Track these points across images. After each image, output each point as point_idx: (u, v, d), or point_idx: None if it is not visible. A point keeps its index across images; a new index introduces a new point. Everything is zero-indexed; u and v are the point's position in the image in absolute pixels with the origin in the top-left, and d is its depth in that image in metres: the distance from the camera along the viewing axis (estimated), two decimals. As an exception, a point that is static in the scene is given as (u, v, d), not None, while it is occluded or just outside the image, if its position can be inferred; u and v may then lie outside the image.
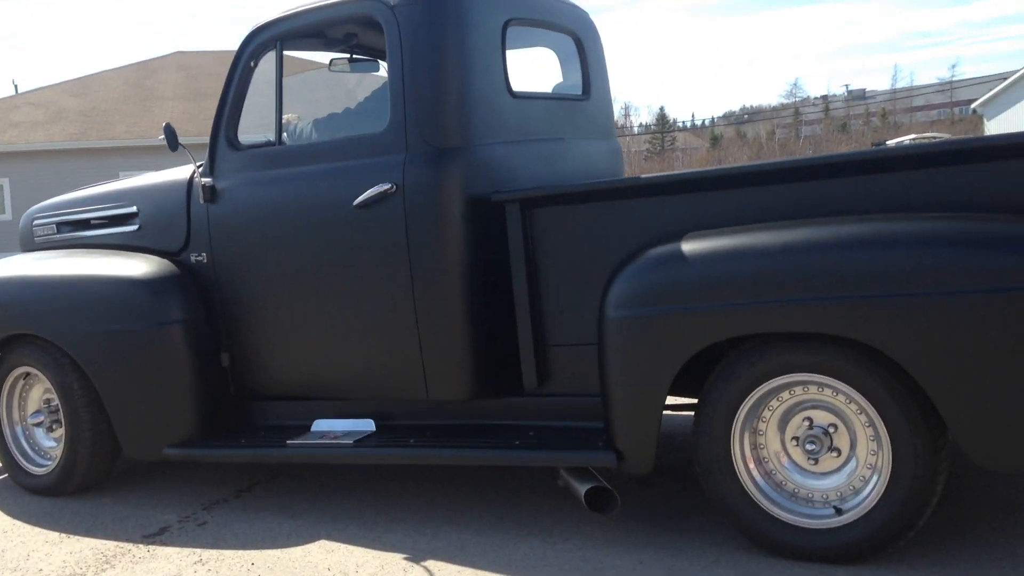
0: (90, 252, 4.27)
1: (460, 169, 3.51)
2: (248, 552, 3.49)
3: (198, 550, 3.54)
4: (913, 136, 32.29)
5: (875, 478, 2.93)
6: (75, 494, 4.26)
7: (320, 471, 4.38)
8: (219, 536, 3.67)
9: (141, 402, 3.97)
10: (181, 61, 31.48)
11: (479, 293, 3.53)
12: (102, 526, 3.88)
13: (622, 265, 3.18)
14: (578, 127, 4.22)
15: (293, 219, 3.74)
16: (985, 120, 35.37)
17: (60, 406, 4.14)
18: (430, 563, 3.24)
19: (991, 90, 35.91)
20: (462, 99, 3.53)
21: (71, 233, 4.52)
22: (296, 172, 3.77)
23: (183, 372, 3.94)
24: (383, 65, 4.16)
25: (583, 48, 4.31)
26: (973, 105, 38.81)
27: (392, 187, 3.51)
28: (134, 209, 4.24)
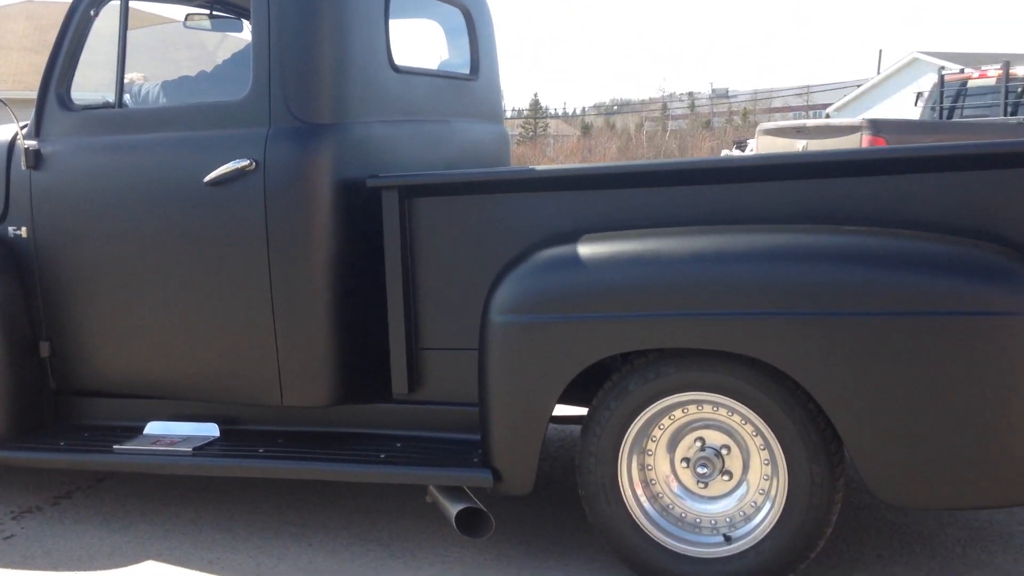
0: None
1: (331, 148, 3.10)
2: (59, 575, 3.00)
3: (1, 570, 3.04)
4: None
5: (768, 505, 2.73)
6: None
7: (154, 477, 3.90)
8: (27, 553, 3.17)
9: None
10: (30, 11, 29.29)
11: (346, 288, 3.14)
12: None
13: (510, 266, 2.86)
14: (465, 109, 3.88)
15: (131, 193, 3.25)
16: (839, 125, 36.83)
17: None
18: (275, 592, 2.86)
19: (845, 96, 37.52)
20: (337, 69, 3.13)
21: None
22: (138, 140, 3.27)
23: (-8, 361, 3.39)
24: (248, 25, 3.69)
25: (473, 24, 3.96)
26: (828, 110, 40.50)
27: (251, 164, 3.07)
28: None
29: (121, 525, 3.39)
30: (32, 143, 3.40)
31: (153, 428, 3.43)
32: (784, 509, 2.67)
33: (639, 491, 2.85)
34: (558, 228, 2.88)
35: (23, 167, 3.40)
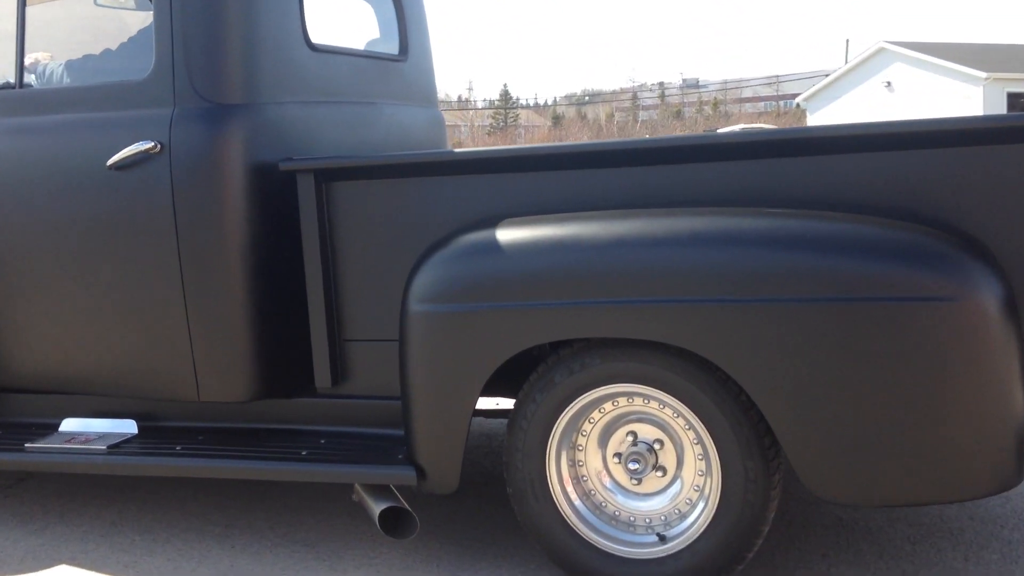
0: None
1: (242, 130, 2.95)
2: (-37, 584, 2.85)
3: (-102, 581, 2.88)
4: (742, 125, 33.37)
5: (702, 503, 2.62)
6: None
7: (77, 476, 3.74)
8: (-69, 561, 3.01)
9: None
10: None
11: (262, 278, 2.99)
12: None
13: (429, 253, 2.73)
14: (393, 91, 3.73)
15: (34, 179, 3.08)
16: (808, 114, 36.98)
17: None
18: (187, 600, 2.72)
19: (814, 86, 37.62)
20: (245, 45, 2.97)
21: None
22: (39, 122, 3.10)
23: None
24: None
25: (401, 3, 3.81)
26: (797, 99, 40.59)
27: (155, 146, 2.91)
28: None
29: (38, 527, 3.24)
30: (-68, 124, 3.23)
31: (68, 425, 3.27)
32: (719, 507, 2.57)
33: (569, 488, 2.73)
34: (480, 213, 2.76)
35: (-77, 152, 3.23)
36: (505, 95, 72.58)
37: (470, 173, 2.82)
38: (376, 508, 2.77)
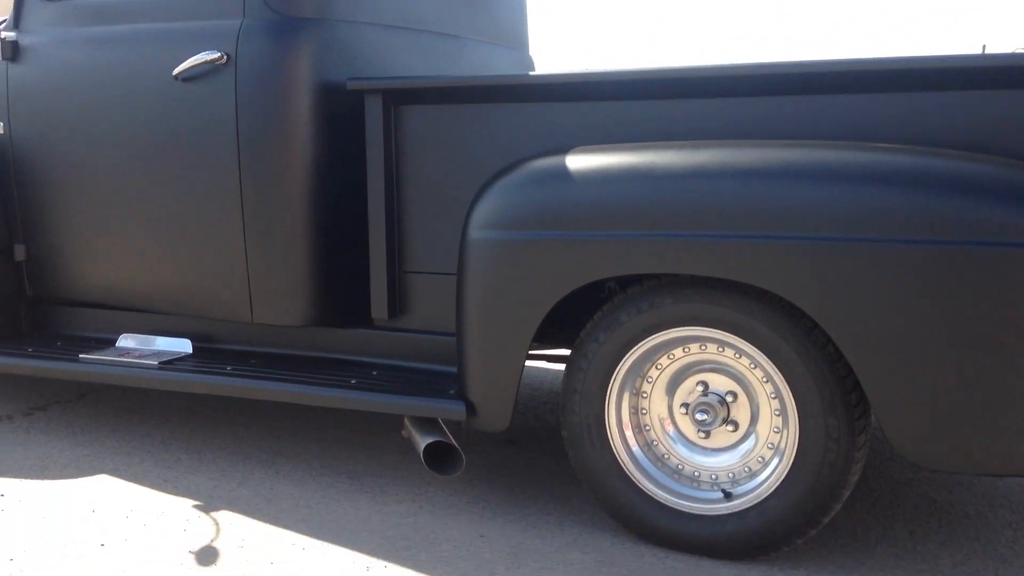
0: None
1: (311, 45, 2.80)
2: (5, 481, 2.81)
3: (-57, 476, 2.86)
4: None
5: (776, 461, 2.38)
6: None
7: (136, 397, 3.70)
8: (-22, 461, 2.99)
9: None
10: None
11: (322, 201, 2.85)
12: None
13: (494, 179, 2.54)
14: (479, 28, 3.54)
15: (106, 88, 3.00)
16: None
17: None
18: (222, 513, 2.61)
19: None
20: None
21: None
22: (115, 31, 3.01)
23: (-37, 259, 3.21)
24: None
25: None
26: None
27: (221, 57, 2.79)
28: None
29: (88, 439, 3.19)
30: (10, 34, 3.19)
31: (125, 341, 3.21)
32: (794, 466, 2.31)
33: (629, 436, 2.52)
34: (556, 142, 2.54)
35: (0, 59, 3.19)
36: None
37: (551, 100, 2.61)
38: (422, 442, 2.61)
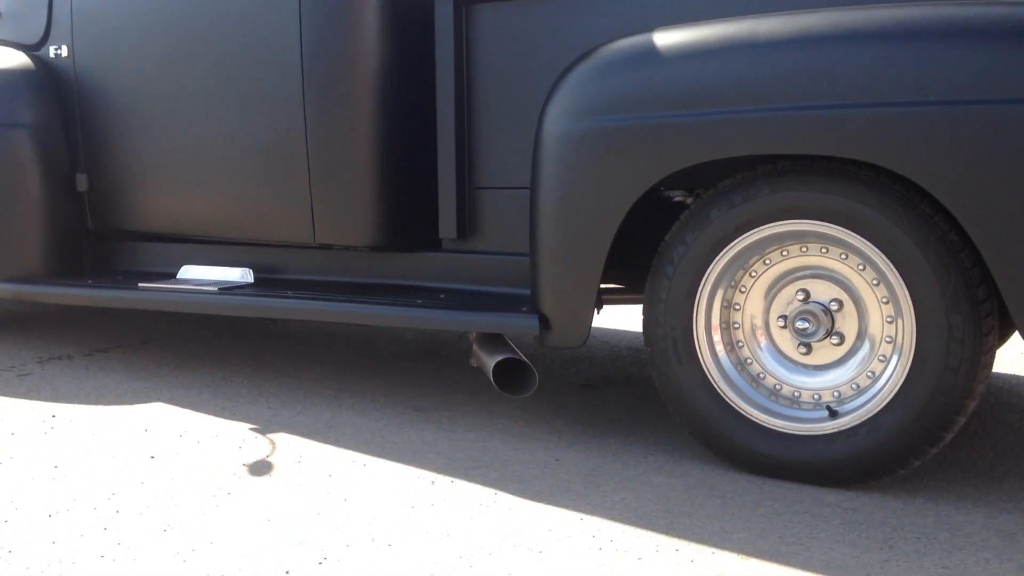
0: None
1: None
2: (56, 405, 2.69)
3: (-3, 400, 2.75)
4: None
5: (888, 371, 2.10)
6: None
7: (202, 341, 3.59)
8: (33, 387, 2.88)
9: (-30, 222, 3.16)
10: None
11: (389, 111, 2.68)
12: (-101, 368, 3.10)
13: (571, 66, 2.33)
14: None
15: (167, 5, 2.90)
16: None
17: None
18: (278, 435, 2.44)
19: None
20: None
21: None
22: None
23: (26, 191, 3.14)
24: None
25: None
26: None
27: None
28: (-7, -8, 3.42)
29: (146, 375, 3.07)
30: (76, -50, 3.12)
31: (186, 272, 3.09)
32: (910, 373, 2.03)
33: (720, 350, 2.27)
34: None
35: (64, -26, 3.13)
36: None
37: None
38: (491, 362, 2.41)
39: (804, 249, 2.18)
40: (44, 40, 3.23)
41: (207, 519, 1.90)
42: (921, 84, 1.92)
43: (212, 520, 1.90)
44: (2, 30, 3.36)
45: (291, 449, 2.34)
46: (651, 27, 2.32)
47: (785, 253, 2.21)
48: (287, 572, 1.67)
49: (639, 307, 3.41)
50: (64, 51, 3.16)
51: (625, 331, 3.92)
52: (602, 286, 2.50)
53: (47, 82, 3.18)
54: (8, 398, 2.75)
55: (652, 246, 2.46)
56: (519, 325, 2.38)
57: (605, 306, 2.82)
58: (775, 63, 2.06)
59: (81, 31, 3.12)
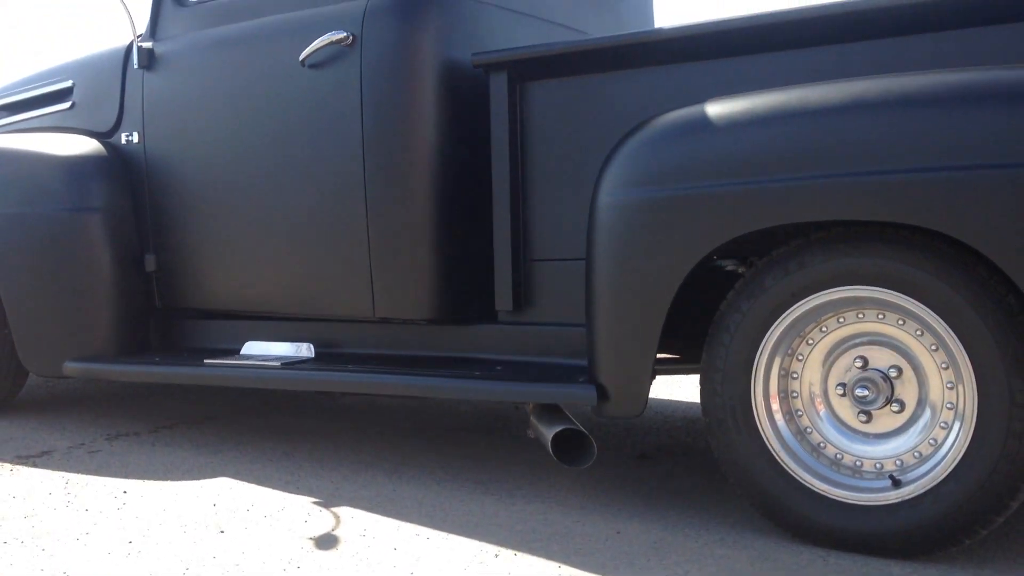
0: (17, 133, 3.63)
1: (437, 23, 2.77)
2: (127, 481, 2.76)
3: (69, 474, 2.83)
4: None
5: (951, 438, 2.09)
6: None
7: (264, 416, 3.66)
8: (104, 463, 2.96)
9: (45, 304, 3.29)
10: None
11: (446, 185, 2.78)
12: (-22, 445, 3.21)
13: (624, 139, 2.40)
14: (605, 26, 3.47)
15: (233, 88, 3.05)
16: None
17: (-39, 302, 3.50)
18: (342, 509, 2.48)
19: None
20: None
21: (9, 117, 3.88)
22: (245, 28, 3.07)
23: (98, 272, 3.27)
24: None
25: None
26: None
27: (347, 37, 2.79)
28: (70, 84, 3.60)
29: (211, 451, 3.14)
30: (147, 44, 3.29)
31: (250, 348, 3.18)
32: (973, 439, 2.02)
33: (779, 419, 2.27)
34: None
35: (135, 66, 3.29)
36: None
37: (685, 59, 2.48)
38: (549, 433, 2.44)
39: (861, 315, 2.20)
40: (116, 127, 3.39)
41: (276, 593, 1.94)
42: (972, 148, 1.95)
43: (281, 594, 1.93)
44: (76, 119, 3.55)
45: (355, 522, 2.37)
46: (699, 98, 2.39)
47: (842, 320, 2.22)
48: (357, 645, 1.69)
49: (689, 376, 3.44)
50: (135, 138, 3.32)
51: (678, 401, 3.92)
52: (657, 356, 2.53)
53: (119, 168, 3.33)
54: (80, 474, 2.83)
55: (706, 316, 2.49)
56: (577, 395, 2.41)
57: (657, 376, 2.84)
58: (825, 130, 2.10)
59: (151, 119, 3.27)
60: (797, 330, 2.24)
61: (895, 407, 2.19)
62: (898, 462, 2.18)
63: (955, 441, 2.07)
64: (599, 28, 3.43)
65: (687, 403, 3.87)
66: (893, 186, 2.00)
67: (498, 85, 2.72)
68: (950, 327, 2.04)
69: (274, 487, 2.70)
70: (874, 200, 2.02)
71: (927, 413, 2.15)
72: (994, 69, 2.04)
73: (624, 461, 2.96)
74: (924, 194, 1.98)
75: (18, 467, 2.92)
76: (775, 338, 2.24)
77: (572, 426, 2.41)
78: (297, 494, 2.63)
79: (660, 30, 2.55)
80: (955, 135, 1.96)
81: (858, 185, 2.04)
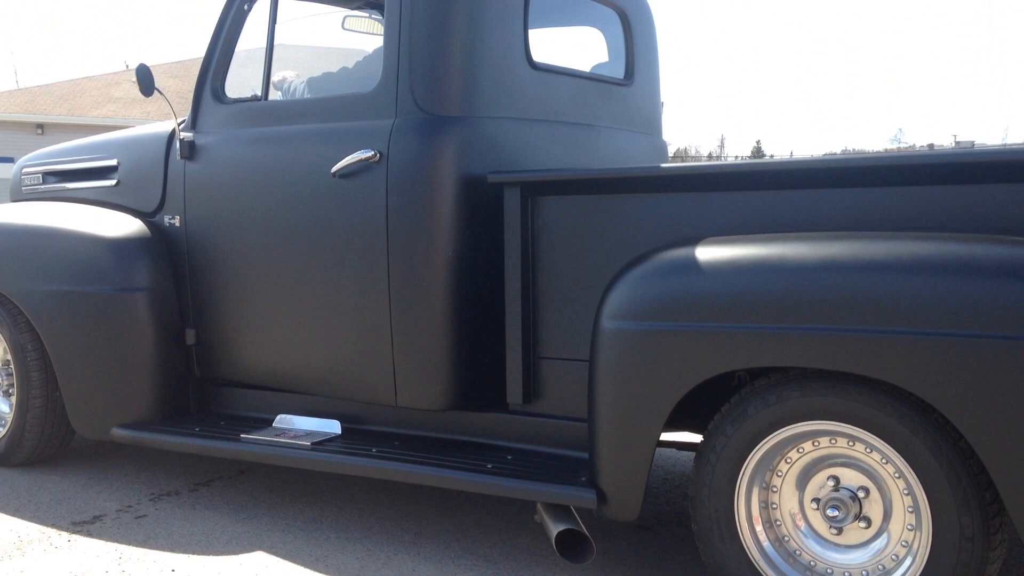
0: (66, 206, 3.92)
1: (456, 141, 3.02)
2: (174, 556, 3.05)
3: (122, 546, 3.12)
4: None
5: (909, 559, 2.35)
6: (23, 466, 3.92)
7: (289, 471, 3.95)
8: (152, 533, 3.25)
9: (94, 373, 3.58)
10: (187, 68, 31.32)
11: (464, 288, 3.03)
12: (35, 506, 3.51)
13: (625, 270, 2.66)
14: (615, 116, 3.70)
15: (268, 184, 3.32)
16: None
17: (13, 368, 3.80)
18: (366, 595, 2.76)
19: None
20: (466, 61, 3.05)
21: (55, 184, 4.18)
22: (277, 132, 3.34)
23: (143, 345, 3.55)
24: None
25: (629, 26, 3.79)
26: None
27: (375, 155, 3.04)
28: (115, 162, 3.88)
29: (246, 516, 3.43)
30: (188, 135, 3.56)
31: (281, 421, 3.46)
32: (927, 566, 2.29)
33: (759, 529, 2.53)
34: (688, 231, 2.64)
35: (178, 158, 3.56)
36: (757, 151, 70.98)
37: (683, 190, 2.72)
38: (554, 529, 2.70)
39: (833, 441, 2.45)
40: (159, 209, 3.67)
41: None
42: (928, 313, 2.19)
43: None
44: (121, 196, 3.82)
45: (377, 608, 2.66)
46: (692, 228, 2.63)
47: (816, 444, 2.47)
48: None
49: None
50: (177, 221, 3.59)
51: (677, 456, 4.16)
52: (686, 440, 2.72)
53: (162, 248, 3.61)
54: (131, 546, 3.13)
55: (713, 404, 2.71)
56: (579, 498, 2.68)
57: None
58: (801, 284, 2.34)
59: (192, 205, 3.55)
60: (777, 452, 2.49)
61: (863, 524, 2.44)
62: (864, 572, 2.43)
63: (913, 562, 2.33)
64: (608, 118, 3.65)
65: (687, 457, 4.11)
66: (860, 342, 2.24)
67: (511, 199, 2.97)
68: (909, 464, 2.29)
69: (305, 564, 2.98)
70: (842, 353, 2.27)
71: (890, 533, 2.40)
72: (954, 240, 2.27)
73: (623, 533, 3.22)
74: (888, 352, 2.22)
75: (75, 536, 3.22)
76: (757, 459, 2.50)
77: (575, 527, 2.68)
78: (326, 573, 2.91)
79: (649, 167, 2.83)
80: (914, 300, 2.20)
81: (827, 338, 2.28)
